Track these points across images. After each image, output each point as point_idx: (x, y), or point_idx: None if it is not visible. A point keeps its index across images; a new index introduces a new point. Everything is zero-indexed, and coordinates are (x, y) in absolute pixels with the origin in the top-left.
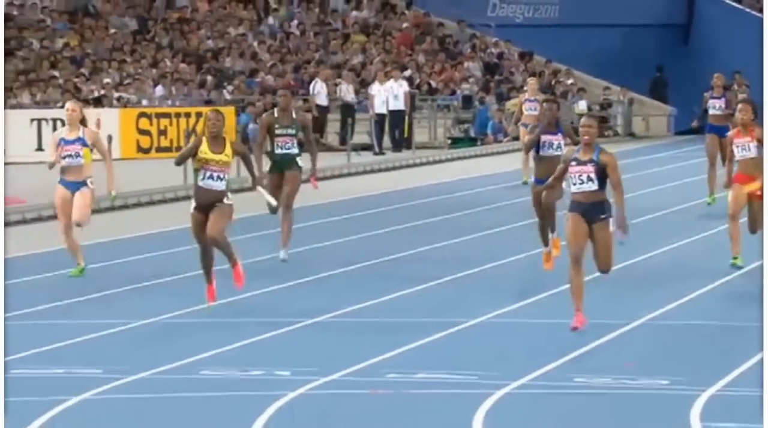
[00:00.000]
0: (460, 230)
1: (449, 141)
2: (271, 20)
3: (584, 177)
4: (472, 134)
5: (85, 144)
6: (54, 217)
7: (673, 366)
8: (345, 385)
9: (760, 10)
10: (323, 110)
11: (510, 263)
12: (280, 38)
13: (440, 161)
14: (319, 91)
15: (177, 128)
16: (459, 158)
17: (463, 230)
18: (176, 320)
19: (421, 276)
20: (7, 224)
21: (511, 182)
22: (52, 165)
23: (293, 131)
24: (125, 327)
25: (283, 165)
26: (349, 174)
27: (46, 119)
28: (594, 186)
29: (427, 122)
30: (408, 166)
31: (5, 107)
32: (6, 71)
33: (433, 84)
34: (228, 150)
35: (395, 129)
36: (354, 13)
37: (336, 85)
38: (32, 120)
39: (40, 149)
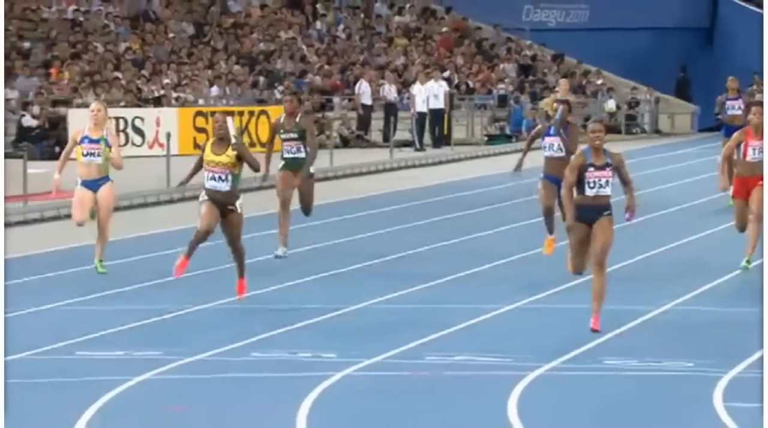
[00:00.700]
0: (495, 221)
1: (486, 138)
2: (319, 25)
3: (603, 181)
4: (508, 131)
5: (108, 145)
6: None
7: (698, 349)
8: (387, 367)
9: None
10: (368, 109)
11: (542, 253)
12: (328, 42)
13: (477, 157)
14: (364, 91)
15: None
16: (495, 154)
17: (499, 222)
18: (228, 306)
19: (460, 265)
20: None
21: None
22: (61, 167)
23: (296, 135)
24: (181, 312)
25: (293, 167)
26: (392, 169)
27: (109, 118)
28: (608, 190)
29: (465, 120)
30: (447, 161)
31: (72, 106)
32: (72, 73)
33: (471, 84)
34: (230, 151)
35: (435, 127)
36: (397, 18)
37: (379, 85)
38: None
39: None
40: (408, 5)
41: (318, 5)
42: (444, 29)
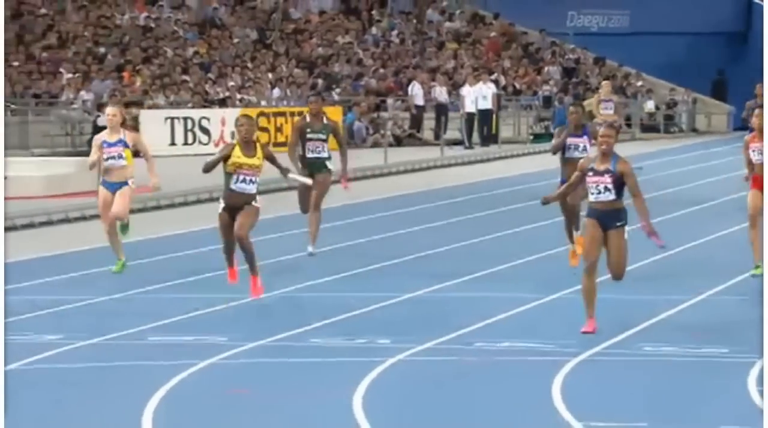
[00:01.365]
0: (542, 215)
1: (531, 137)
2: (374, 30)
3: (601, 187)
4: (552, 130)
5: (126, 145)
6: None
7: (732, 336)
8: (438, 353)
9: None
10: (420, 109)
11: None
12: (382, 46)
13: (523, 155)
14: (417, 93)
15: (291, 125)
16: (539, 152)
17: (545, 215)
18: (288, 295)
19: (507, 255)
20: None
21: None
22: (92, 165)
23: (323, 136)
24: (244, 301)
25: (313, 168)
26: (443, 166)
27: (178, 118)
28: (611, 196)
29: (512, 120)
30: (494, 158)
31: (143, 107)
32: (144, 76)
33: (517, 86)
34: (259, 153)
35: (483, 126)
36: (447, 23)
37: (431, 87)
38: (166, 118)
39: (173, 143)
40: (458, 11)
41: (373, 12)
42: (492, 34)
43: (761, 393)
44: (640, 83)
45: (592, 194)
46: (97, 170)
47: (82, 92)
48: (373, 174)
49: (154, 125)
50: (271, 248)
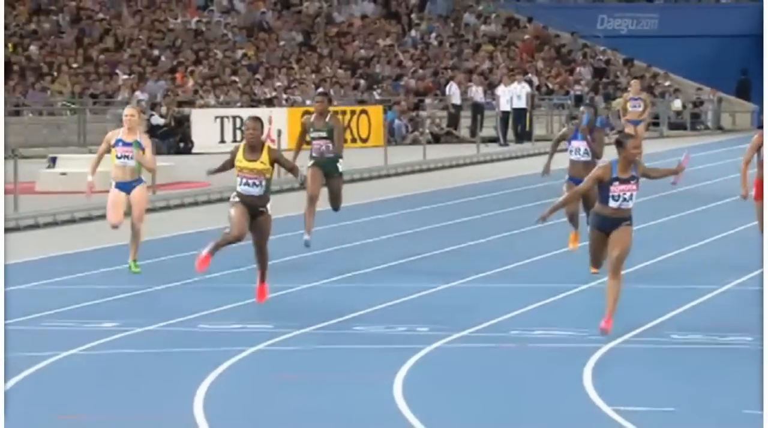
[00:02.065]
0: None
1: None
2: (413, 33)
3: (628, 195)
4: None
5: (140, 147)
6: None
7: (756, 325)
8: (475, 340)
9: None
10: (457, 108)
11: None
12: (421, 48)
13: (556, 151)
14: (454, 92)
15: None
16: None
17: None
18: (331, 285)
19: (540, 247)
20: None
21: None
22: (94, 169)
23: (326, 134)
24: (291, 290)
25: (321, 165)
26: (479, 162)
27: (227, 117)
28: (631, 204)
29: (545, 118)
30: (528, 155)
31: (195, 107)
32: (195, 77)
33: (550, 86)
34: (264, 157)
35: (518, 124)
36: (483, 26)
37: (468, 87)
38: (216, 118)
39: (222, 141)
40: (494, 15)
41: (413, 15)
42: (526, 37)
43: None
44: (667, 83)
45: (616, 201)
46: (95, 163)
47: (137, 92)
48: (413, 170)
49: (205, 124)
50: (314, 240)
